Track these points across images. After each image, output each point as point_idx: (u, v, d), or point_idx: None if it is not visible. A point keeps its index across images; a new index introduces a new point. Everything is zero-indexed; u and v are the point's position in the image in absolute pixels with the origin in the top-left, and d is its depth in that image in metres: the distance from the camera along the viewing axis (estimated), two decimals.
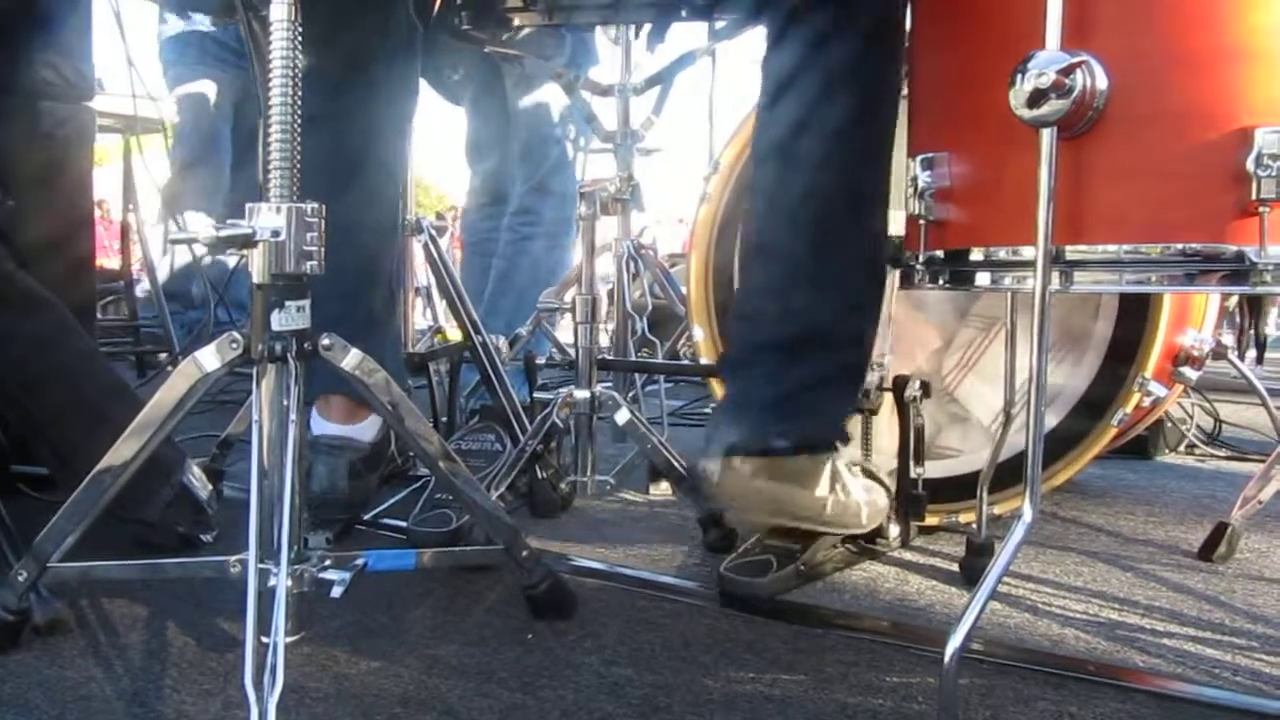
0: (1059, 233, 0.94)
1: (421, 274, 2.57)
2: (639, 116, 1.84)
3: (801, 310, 1.34)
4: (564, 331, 2.76)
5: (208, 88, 3.88)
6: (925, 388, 1.62)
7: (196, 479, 1.66)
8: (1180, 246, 0.94)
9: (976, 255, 1.07)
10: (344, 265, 1.53)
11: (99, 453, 1.21)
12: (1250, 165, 0.89)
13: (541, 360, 1.93)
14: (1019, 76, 0.93)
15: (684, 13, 1.56)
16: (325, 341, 1.13)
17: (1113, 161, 0.96)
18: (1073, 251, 0.97)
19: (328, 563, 1.13)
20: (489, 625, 1.31)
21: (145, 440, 1.16)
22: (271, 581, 1.05)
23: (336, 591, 1.08)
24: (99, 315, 3.51)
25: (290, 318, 1.08)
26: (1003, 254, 1.04)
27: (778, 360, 1.38)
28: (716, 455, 1.37)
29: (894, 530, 1.65)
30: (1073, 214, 0.96)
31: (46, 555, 1.19)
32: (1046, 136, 0.93)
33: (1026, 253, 1.00)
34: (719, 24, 1.66)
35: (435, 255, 1.96)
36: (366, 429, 1.71)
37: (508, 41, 1.71)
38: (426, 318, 2.27)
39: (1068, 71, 0.91)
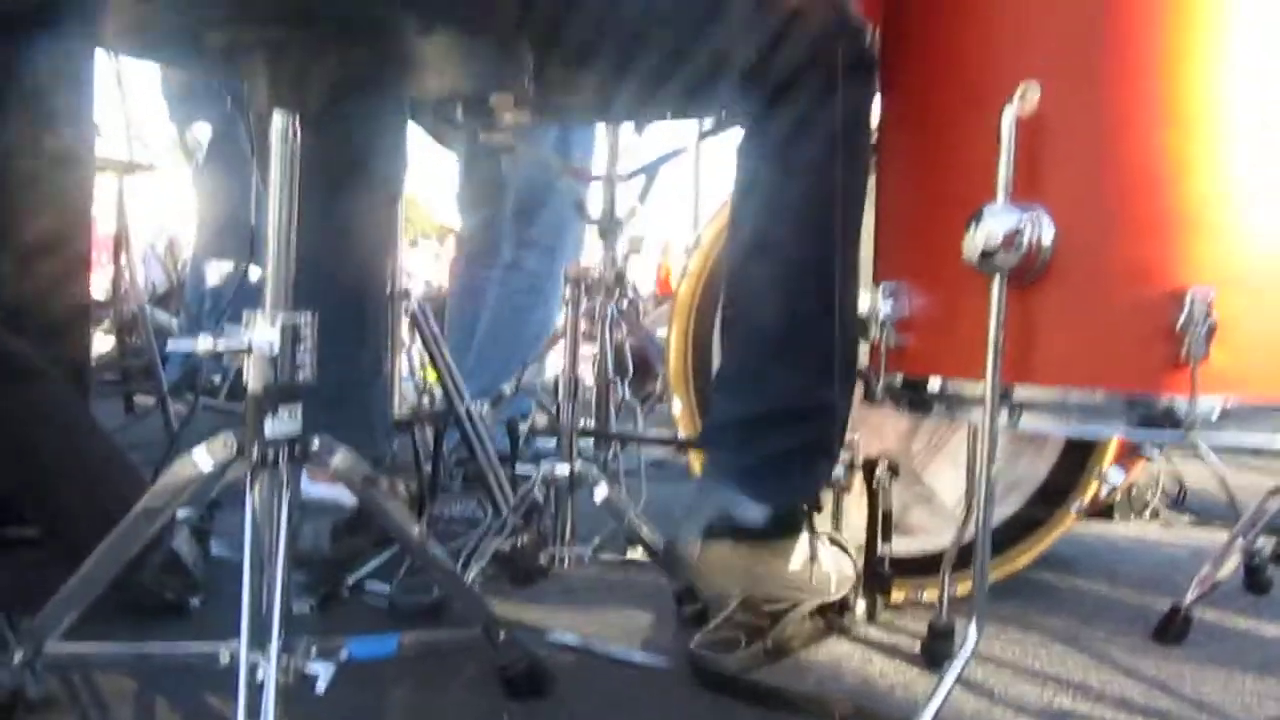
0: (1008, 371, 1.01)
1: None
2: (625, 203, 1.91)
3: (772, 387, 1.41)
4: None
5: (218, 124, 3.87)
6: (894, 470, 1.68)
7: (185, 543, 1.71)
8: (1121, 395, 1.01)
9: (933, 385, 1.14)
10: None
11: (90, 524, 1.26)
12: (1180, 325, 0.96)
13: (524, 428, 1.98)
14: (972, 226, 1.00)
15: (668, 114, 1.62)
16: (315, 444, 1.19)
17: (1058, 308, 1.03)
18: (1021, 391, 1.04)
19: (314, 650, 1.18)
20: (467, 704, 1.36)
21: (145, 530, 1.22)
22: (260, 675, 1.10)
23: (321, 687, 1.13)
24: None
25: (282, 424, 1.14)
26: (956, 388, 1.11)
27: (750, 435, 1.45)
28: (694, 533, 1.43)
29: (861, 605, 1.71)
30: (1022, 354, 1.02)
31: (44, 635, 1.24)
32: (996, 283, 0.99)
33: (979, 389, 1.06)
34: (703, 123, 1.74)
35: (422, 324, 2.02)
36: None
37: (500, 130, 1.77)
38: (417, 378, 2.33)
39: (1017, 229, 0.98)
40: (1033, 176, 1.01)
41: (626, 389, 2.17)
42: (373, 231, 1.77)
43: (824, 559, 1.51)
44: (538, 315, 2.87)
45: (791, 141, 1.39)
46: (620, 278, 1.87)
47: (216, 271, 3.96)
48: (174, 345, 1.13)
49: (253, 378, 1.12)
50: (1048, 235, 1.00)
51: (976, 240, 0.99)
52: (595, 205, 1.93)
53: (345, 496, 1.73)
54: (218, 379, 3.84)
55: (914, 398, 1.18)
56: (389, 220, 1.87)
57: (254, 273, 3.66)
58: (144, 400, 3.70)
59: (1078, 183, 1.03)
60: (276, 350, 1.11)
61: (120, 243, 3.77)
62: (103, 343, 4.39)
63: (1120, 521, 2.57)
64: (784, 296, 1.42)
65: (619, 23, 1.24)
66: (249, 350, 1.11)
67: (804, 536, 1.49)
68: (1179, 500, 2.70)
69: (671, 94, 1.40)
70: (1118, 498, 2.54)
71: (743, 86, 1.35)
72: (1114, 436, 1.57)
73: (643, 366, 2.88)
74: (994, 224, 0.98)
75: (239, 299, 3.57)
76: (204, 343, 1.10)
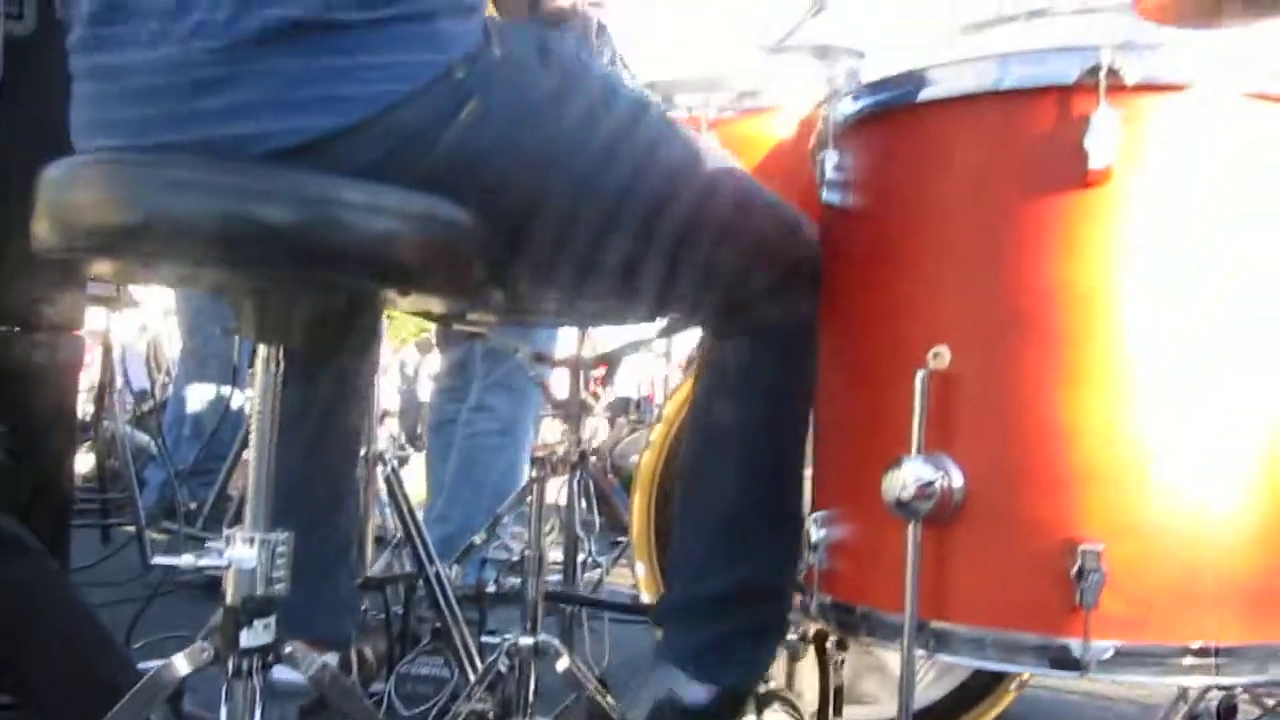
0: (925, 606, 1.10)
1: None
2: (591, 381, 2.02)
3: (726, 569, 1.49)
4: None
5: None
6: (843, 644, 1.76)
7: (158, 710, 1.76)
8: (1025, 636, 1.11)
9: (861, 611, 1.23)
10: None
11: (65, 697, 1.33)
12: (1074, 574, 1.06)
13: (491, 587, 2.06)
14: (890, 473, 1.10)
15: (630, 319, 1.74)
16: (288, 650, 1.26)
17: (970, 551, 1.13)
18: (936, 624, 1.13)
19: None
20: None
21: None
22: None
23: None
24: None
25: (257, 635, 1.21)
26: (879, 616, 1.20)
27: (704, 615, 1.52)
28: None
29: None
30: (938, 591, 1.12)
31: None
32: (911, 528, 1.09)
33: (899, 620, 1.15)
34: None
35: (395, 488, 2.11)
36: None
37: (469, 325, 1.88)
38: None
39: (930, 480, 1.09)
40: (945, 429, 1.12)
41: (593, 545, 2.25)
42: (348, 408, 1.86)
43: None
44: (505, 458, 2.95)
45: (750, 351, 1.49)
46: (584, 456, 1.97)
47: (199, 396, 4.03)
48: (158, 560, 1.21)
49: (230, 592, 1.20)
50: (957, 479, 1.11)
51: (893, 488, 1.09)
52: (560, 389, 2.05)
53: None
54: (194, 505, 3.88)
55: (842, 619, 1.27)
56: (364, 393, 1.96)
57: (236, 399, 3.75)
58: (123, 528, 3.73)
59: (985, 437, 1.14)
60: (254, 566, 1.20)
61: (106, 371, 3.86)
62: (82, 462, 4.44)
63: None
64: (737, 483, 1.51)
65: (585, 267, 1.34)
66: (228, 567, 1.19)
67: (750, 714, 1.55)
68: None
69: (635, 313, 1.52)
70: None
71: (705, 309, 1.46)
72: (1019, 672, 1.66)
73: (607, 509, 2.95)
74: (909, 474, 1.08)
75: (222, 428, 3.66)
76: (187, 560, 1.19)
